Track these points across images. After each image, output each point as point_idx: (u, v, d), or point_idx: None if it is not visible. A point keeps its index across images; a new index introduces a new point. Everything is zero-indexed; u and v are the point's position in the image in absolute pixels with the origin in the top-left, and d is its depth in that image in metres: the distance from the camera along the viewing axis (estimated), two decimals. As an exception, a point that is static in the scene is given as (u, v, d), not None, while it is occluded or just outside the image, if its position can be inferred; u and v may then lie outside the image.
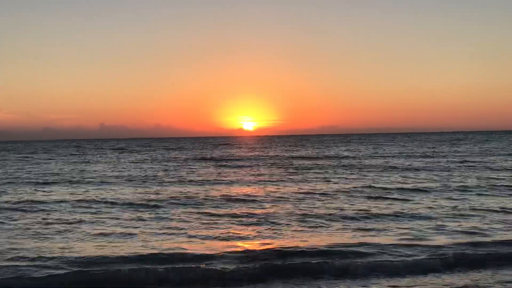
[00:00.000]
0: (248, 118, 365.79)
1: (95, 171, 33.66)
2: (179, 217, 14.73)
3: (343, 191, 20.09)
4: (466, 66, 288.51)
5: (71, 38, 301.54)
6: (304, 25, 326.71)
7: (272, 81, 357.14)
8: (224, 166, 37.40)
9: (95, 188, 23.15)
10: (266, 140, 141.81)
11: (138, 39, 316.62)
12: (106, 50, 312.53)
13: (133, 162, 43.81)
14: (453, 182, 22.78)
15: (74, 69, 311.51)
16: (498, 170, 28.35)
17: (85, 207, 17.10)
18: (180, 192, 20.77)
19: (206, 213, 15.46)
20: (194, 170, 33.49)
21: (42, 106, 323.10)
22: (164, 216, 15.06)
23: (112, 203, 17.91)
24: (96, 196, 19.78)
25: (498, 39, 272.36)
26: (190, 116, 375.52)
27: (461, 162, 34.67)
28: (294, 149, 65.98)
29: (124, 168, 36.47)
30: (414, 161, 37.92)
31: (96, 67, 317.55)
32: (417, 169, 30.15)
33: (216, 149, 72.55)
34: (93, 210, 16.39)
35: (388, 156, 44.47)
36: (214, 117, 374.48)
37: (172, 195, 19.57)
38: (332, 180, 24.85)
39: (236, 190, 21.48)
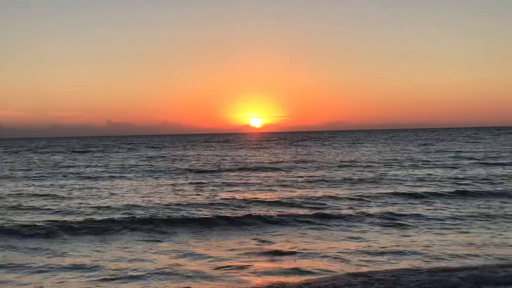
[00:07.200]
0: (255, 114, 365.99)
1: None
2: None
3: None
4: (477, 61, 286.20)
5: (78, 36, 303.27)
6: (311, 23, 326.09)
7: (279, 77, 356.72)
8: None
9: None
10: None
11: (145, 36, 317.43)
12: (113, 48, 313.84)
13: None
14: None
15: (81, 67, 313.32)
16: None
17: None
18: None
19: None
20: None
21: (49, 104, 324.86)
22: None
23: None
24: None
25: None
26: (197, 113, 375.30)
27: None
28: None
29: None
30: None
31: (103, 64, 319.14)
32: None
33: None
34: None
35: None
36: (221, 114, 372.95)
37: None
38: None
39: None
